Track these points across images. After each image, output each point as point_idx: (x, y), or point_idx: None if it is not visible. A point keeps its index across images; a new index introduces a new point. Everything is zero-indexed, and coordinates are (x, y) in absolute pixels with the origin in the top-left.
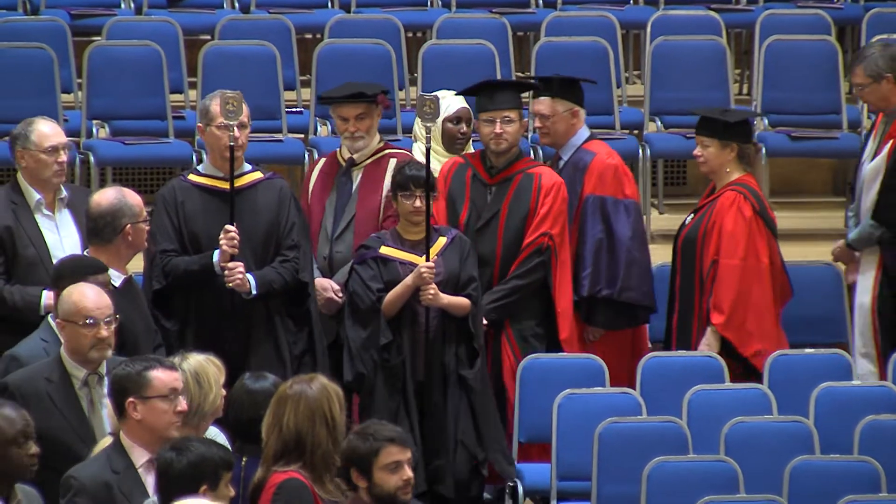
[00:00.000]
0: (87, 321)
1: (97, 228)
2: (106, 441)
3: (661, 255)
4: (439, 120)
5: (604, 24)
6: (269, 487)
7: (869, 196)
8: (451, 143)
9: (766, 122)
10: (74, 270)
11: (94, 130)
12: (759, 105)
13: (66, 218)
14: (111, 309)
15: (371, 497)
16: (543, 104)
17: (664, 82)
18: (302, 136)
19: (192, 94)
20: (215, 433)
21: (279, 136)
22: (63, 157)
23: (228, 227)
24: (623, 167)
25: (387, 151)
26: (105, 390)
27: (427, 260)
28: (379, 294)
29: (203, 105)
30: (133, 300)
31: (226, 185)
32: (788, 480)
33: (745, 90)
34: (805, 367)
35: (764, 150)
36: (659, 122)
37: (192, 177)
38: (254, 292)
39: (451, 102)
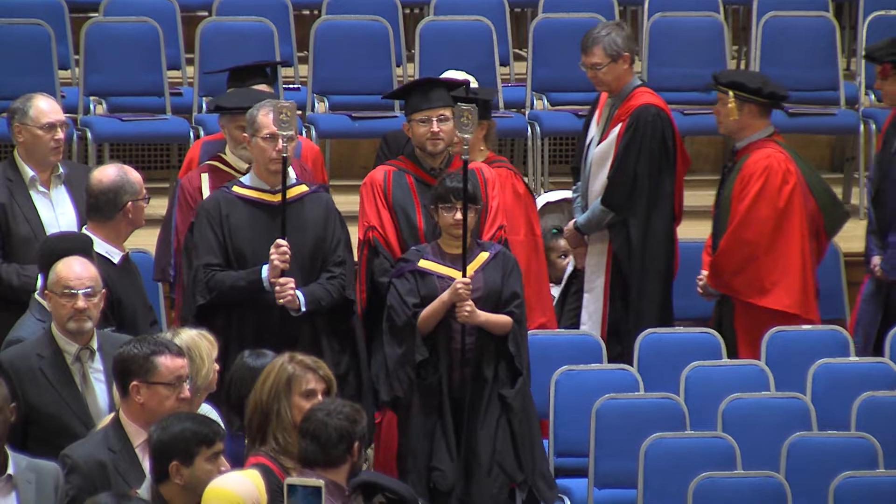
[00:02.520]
0: (65, 291)
1: (98, 205)
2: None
3: None
4: None
5: (602, 1)
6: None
7: (598, 180)
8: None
9: (873, 97)
10: (62, 249)
11: (92, 107)
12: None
13: (62, 195)
14: (94, 282)
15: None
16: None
17: (662, 58)
18: (299, 112)
19: (190, 70)
20: (207, 410)
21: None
22: (60, 134)
23: (280, 241)
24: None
25: None
26: (98, 365)
27: (464, 275)
28: (415, 309)
29: (250, 115)
30: (131, 277)
31: (272, 198)
32: (786, 457)
33: (742, 66)
34: (802, 344)
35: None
36: None
37: (236, 189)
38: (303, 309)
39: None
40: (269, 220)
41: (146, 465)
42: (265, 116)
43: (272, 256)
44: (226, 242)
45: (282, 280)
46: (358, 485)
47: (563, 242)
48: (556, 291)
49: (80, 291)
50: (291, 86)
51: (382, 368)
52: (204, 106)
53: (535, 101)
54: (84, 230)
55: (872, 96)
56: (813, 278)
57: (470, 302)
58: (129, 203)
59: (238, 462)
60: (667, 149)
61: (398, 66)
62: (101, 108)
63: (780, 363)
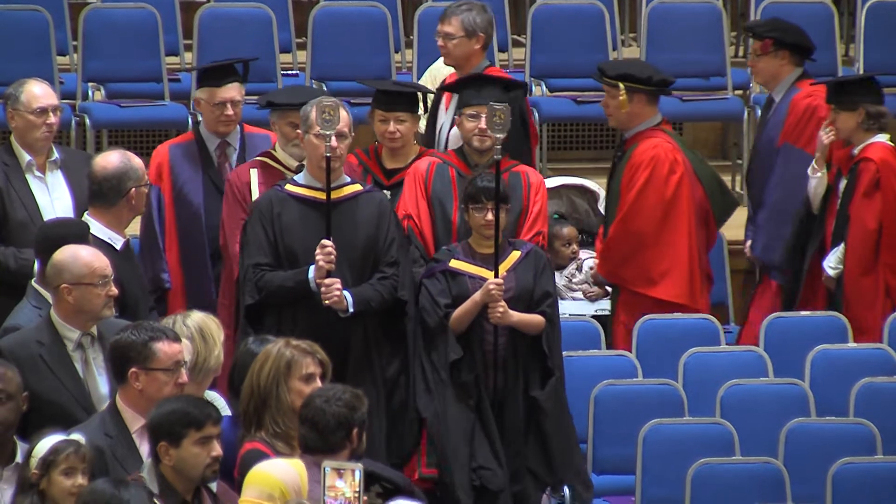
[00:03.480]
0: (102, 280)
1: (102, 191)
2: None
3: None
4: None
5: None
6: (238, 458)
7: None
8: None
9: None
10: (59, 236)
11: (90, 93)
12: None
13: (58, 180)
14: (111, 267)
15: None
16: None
17: (661, 45)
18: None
19: (188, 56)
20: (214, 397)
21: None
22: (52, 118)
23: (325, 241)
24: None
25: None
26: (98, 351)
27: (496, 275)
28: (447, 310)
29: (304, 111)
30: (132, 263)
31: (325, 196)
32: (784, 443)
33: (741, 52)
34: (801, 330)
35: (760, 112)
36: None
37: (289, 187)
38: (350, 310)
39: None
40: (321, 218)
41: (143, 450)
42: (315, 113)
43: (317, 257)
44: (276, 241)
45: (327, 281)
46: None
47: (566, 231)
48: (559, 280)
49: (111, 278)
50: (290, 72)
51: (421, 379)
52: None
53: (533, 88)
54: (86, 216)
55: None
56: (701, 267)
57: (503, 302)
58: (133, 189)
59: (237, 448)
60: (525, 124)
61: (397, 52)
62: (100, 95)
63: (779, 349)
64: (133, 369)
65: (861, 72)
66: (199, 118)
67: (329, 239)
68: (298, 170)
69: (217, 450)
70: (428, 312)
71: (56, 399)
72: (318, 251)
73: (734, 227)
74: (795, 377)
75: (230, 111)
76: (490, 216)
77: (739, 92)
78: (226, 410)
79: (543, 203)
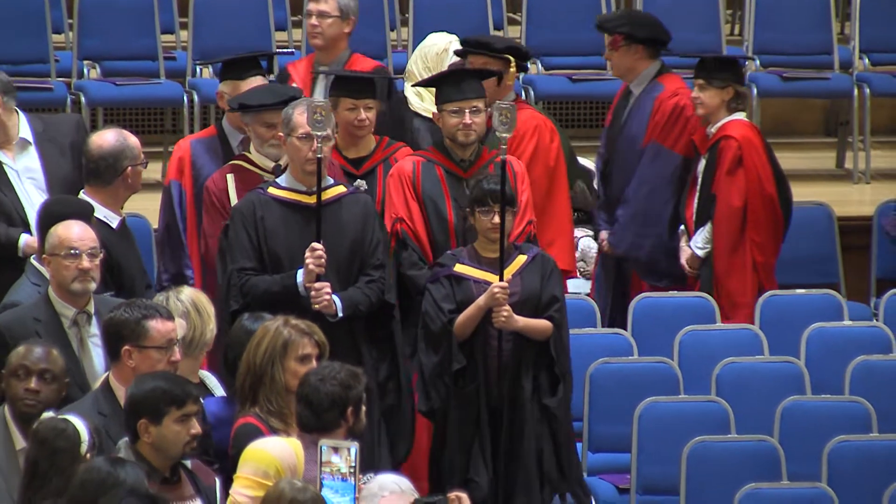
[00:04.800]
0: (71, 251)
1: (98, 170)
2: None
3: None
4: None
5: None
6: (232, 433)
7: None
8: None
9: (759, 62)
10: (61, 214)
11: (86, 71)
12: (750, 46)
13: (28, 160)
14: (95, 242)
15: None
16: None
17: None
18: None
19: (184, 34)
20: (205, 376)
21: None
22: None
23: (315, 244)
24: None
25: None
26: (94, 329)
27: (501, 279)
28: (451, 315)
29: (286, 114)
30: (128, 241)
31: (309, 200)
32: (780, 421)
33: (736, 31)
34: (796, 308)
35: (756, 91)
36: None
37: (271, 190)
38: (340, 315)
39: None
40: (305, 222)
41: None
42: (300, 115)
43: (307, 261)
44: (260, 245)
45: (317, 285)
46: None
47: None
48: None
49: (83, 252)
50: (285, 50)
51: (419, 377)
52: (198, 70)
53: (529, 66)
54: (81, 194)
55: (867, 60)
56: None
57: (507, 307)
58: (129, 168)
59: (232, 424)
60: (399, 117)
61: (392, 30)
62: (95, 73)
63: (774, 327)
64: (126, 347)
65: (856, 50)
66: (202, 113)
67: (319, 242)
68: (275, 171)
69: (196, 427)
70: (431, 318)
71: None
72: (307, 254)
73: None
74: (791, 355)
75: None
76: (497, 219)
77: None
78: (218, 390)
79: (530, 191)
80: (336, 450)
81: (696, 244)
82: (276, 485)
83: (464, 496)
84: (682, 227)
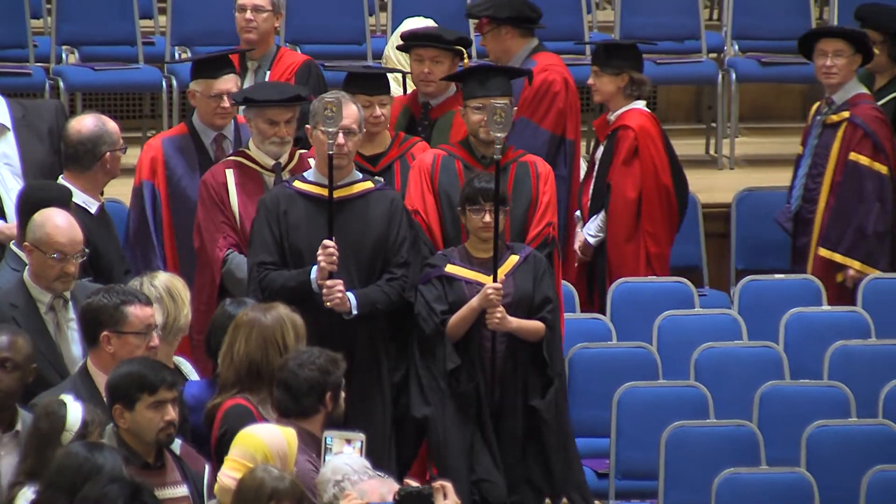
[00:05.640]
0: (55, 256)
1: (77, 155)
2: None
3: None
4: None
5: None
6: (218, 414)
7: None
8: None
9: (737, 47)
10: (40, 199)
11: (64, 56)
12: (729, 30)
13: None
14: (82, 243)
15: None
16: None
17: (635, 7)
18: None
19: (162, 19)
20: (180, 362)
21: None
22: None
23: (327, 241)
24: None
25: (301, 152)
26: (71, 314)
27: (495, 280)
28: (443, 316)
29: (312, 106)
30: (107, 227)
31: (334, 194)
32: (758, 406)
33: (715, 15)
34: (775, 293)
35: (734, 76)
36: None
37: (297, 184)
38: (354, 312)
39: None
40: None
41: None
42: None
43: (319, 258)
44: (282, 240)
45: (329, 282)
46: None
47: None
48: None
49: (70, 256)
50: None
51: (415, 381)
52: (177, 55)
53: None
54: (60, 180)
55: None
56: None
57: (501, 308)
58: (108, 153)
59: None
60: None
61: (370, 15)
62: (74, 58)
63: (753, 312)
64: (105, 333)
65: None
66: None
67: (331, 239)
68: (274, 168)
69: (171, 414)
70: (424, 319)
71: None
72: (319, 251)
73: (708, 190)
74: (770, 340)
75: (227, 103)
76: (488, 218)
77: (714, 55)
78: (192, 375)
79: (552, 193)
80: (349, 441)
81: (589, 232)
82: (251, 474)
83: (448, 485)
84: (578, 213)
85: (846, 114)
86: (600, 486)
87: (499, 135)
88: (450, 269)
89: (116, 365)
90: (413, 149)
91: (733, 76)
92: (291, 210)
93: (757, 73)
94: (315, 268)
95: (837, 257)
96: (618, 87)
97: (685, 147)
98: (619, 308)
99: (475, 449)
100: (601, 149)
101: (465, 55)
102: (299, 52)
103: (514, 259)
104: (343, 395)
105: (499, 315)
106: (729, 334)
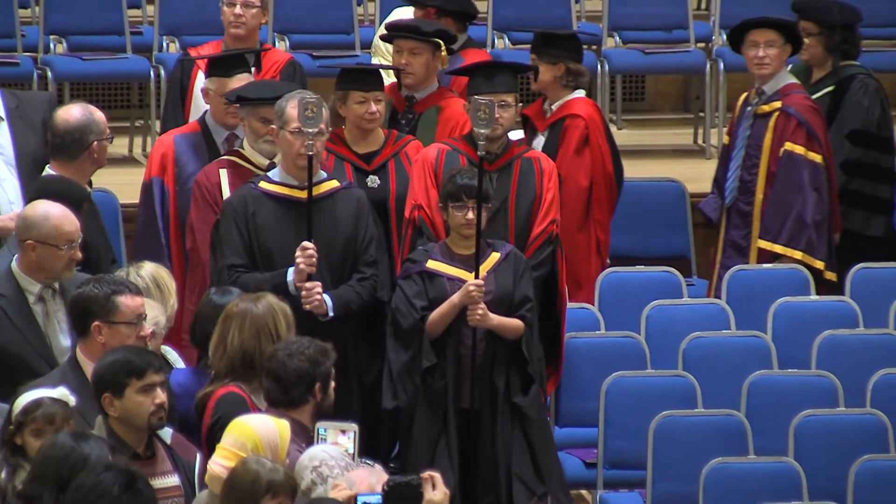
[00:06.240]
0: (67, 245)
1: (64, 145)
2: None
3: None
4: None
5: None
6: (211, 402)
7: None
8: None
9: (725, 37)
10: (58, 192)
11: (52, 46)
12: (717, 20)
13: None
14: (80, 227)
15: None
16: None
17: None
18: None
19: (150, 9)
20: (166, 350)
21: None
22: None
23: (306, 243)
24: None
25: None
26: (60, 304)
27: (476, 276)
28: (423, 312)
29: (279, 106)
30: (94, 217)
31: (301, 195)
32: (746, 395)
33: (703, 5)
34: (763, 283)
35: (722, 66)
36: (618, 38)
37: (263, 184)
38: (330, 314)
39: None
40: (297, 217)
41: None
42: (293, 109)
43: (298, 260)
44: (251, 241)
45: (308, 284)
46: None
47: None
48: None
49: (77, 241)
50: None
51: (387, 374)
52: (165, 44)
53: (496, 41)
54: (47, 169)
55: None
56: None
57: (482, 304)
58: (95, 143)
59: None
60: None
61: (359, 4)
62: (62, 47)
63: (741, 302)
64: (96, 323)
65: None
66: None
67: (310, 241)
68: (269, 168)
69: (160, 397)
70: (403, 314)
71: (17, 351)
72: (298, 253)
73: (697, 180)
74: (758, 329)
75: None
76: (471, 215)
77: (702, 45)
78: (178, 363)
79: (556, 189)
80: (344, 431)
81: None
82: (244, 466)
83: (437, 475)
84: None
85: (777, 104)
86: (588, 476)
87: (482, 131)
88: (431, 265)
89: (100, 357)
90: (407, 147)
91: (721, 66)
92: (260, 211)
93: (743, 62)
94: (291, 270)
95: (778, 248)
96: (554, 76)
97: (673, 137)
98: (607, 298)
99: (438, 447)
100: (540, 139)
101: (443, 48)
102: (287, 42)
103: (495, 256)
104: (333, 385)
105: (480, 312)
106: (717, 324)
